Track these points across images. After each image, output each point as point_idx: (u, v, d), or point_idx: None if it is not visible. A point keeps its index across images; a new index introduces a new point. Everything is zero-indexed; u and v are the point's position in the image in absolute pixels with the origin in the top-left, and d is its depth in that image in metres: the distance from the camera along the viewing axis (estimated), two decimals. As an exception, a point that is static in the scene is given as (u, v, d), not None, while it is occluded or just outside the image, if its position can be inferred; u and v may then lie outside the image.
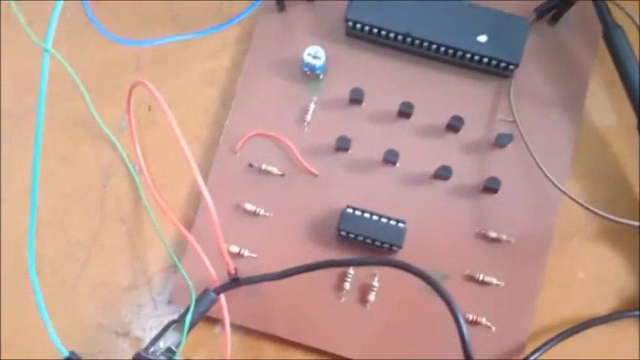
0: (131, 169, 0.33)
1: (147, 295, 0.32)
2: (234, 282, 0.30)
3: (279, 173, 0.33)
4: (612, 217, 0.30)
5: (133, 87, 0.29)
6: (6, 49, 0.35)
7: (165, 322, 0.31)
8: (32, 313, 0.31)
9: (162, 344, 0.29)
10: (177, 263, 0.31)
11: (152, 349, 0.28)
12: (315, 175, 0.33)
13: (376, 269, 0.32)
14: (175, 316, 0.31)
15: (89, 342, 0.32)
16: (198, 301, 0.29)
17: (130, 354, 0.31)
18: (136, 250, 0.33)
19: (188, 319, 0.28)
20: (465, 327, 0.25)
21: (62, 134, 0.34)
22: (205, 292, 0.30)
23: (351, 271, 0.32)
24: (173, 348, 0.28)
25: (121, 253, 0.33)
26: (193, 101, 0.34)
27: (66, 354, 0.26)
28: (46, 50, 0.24)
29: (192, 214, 0.33)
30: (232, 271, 0.29)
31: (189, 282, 0.29)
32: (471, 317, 0.31)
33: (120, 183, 0.33)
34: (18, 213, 0.33)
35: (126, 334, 0.32)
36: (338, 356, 0.31)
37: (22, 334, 0.32)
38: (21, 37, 0.34)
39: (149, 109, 0.34)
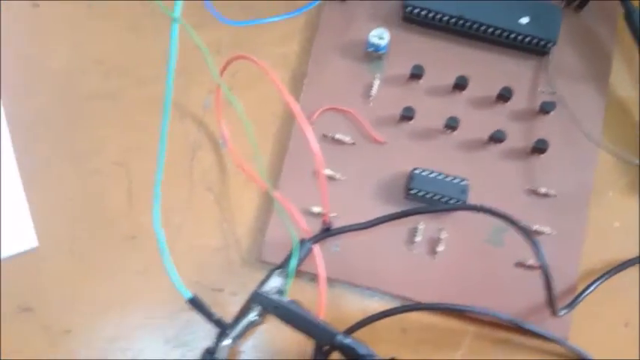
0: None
1: (236, 255, 0.35)
2: (327, 232, 0.33)
3: (351, 142, 0.37)
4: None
5: (231, 60, 0.33)
6: (92, 38, 0.38)
7: (256, 277, 0.35)
8: (129, 275, 0.35)
9: (267, 288, 0.32)
10: (277, 205, 0.34)
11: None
12: (382, 143, 0.37)
13: (443, 224, 0.36)
14: (265, 272, 0.35)
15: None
16: (295, 250, 0.32)
17: (227, 307, 0.34)
18: (224, 215, 0.36)
19: (294, 260, 0.31)
20: (542, 249, 0.29)
21: (152, 114, 0.37)
22: (302, 241, 0.33)
23: (421, 225, 0.35)
24: (282, 288, 0.32)
25: (211, 218, 0.36)
26: (268, 82, 0.38)
27: (189, 295, 0.29)
28: (176, 21, 0.27)
29: (273, 182, 0.36)
30: (328, 220, 0.33)
31: (292, 228, 0.33)
32: (529, 262, 0.35)
33: (206, 156, 0.37)
34: (110, 183, 0.36)
35: (221, 290, 0.35)
36: (412, 300, 0.35)
37: (123, 295, 0.35)
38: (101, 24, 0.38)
39: (230, 90, 0.37)
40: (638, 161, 0.35)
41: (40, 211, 0.35)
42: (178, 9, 0.27)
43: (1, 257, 0.35)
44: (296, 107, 0.29)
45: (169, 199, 0.36)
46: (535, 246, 0.30)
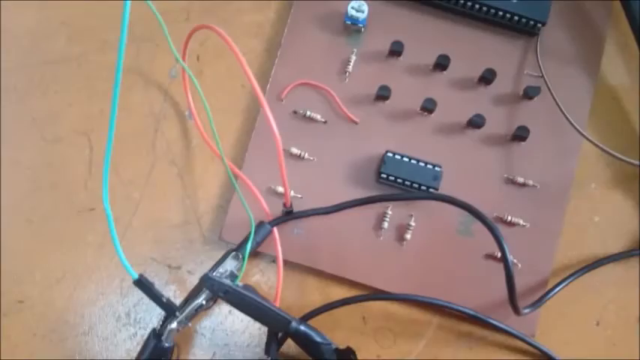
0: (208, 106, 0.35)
1: (197, 232, 0.34)
2: (288, 215, 0.32)
3: (322, 120, 0.35)
4: (629, 159, 0.33)
5: (194, 31, 0.31)
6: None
7: (215, 256, 0.33)
8: (85, 247, 0.34)
9: (221, 270, 0.31)
10: (237, 188, 0.33)
11: (214, 273, 0.30)
12: (356, 123, 0.35)
13: (413, 210, 0.34)
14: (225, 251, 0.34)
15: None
16: (254, 232, 0.31)
17: (184, 285, 0.33)
18: (187, 190, 0.35)
19: (249, 245, 0.30)
20: (506, 247, 0.28)
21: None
22: (261, 223, 0.32)
23: (390, 211, 0.34)
24: (235, 272, 0.30)
25: (173, 193, 0.35)
26: (240, 52, 0.36)
27: (136, 276, 0.28)
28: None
29: (239, 159, 0.35)
30: (289, 204, 0.31)
31: (249, 211, 0.31)
32: (499, 254, 0.34)
33: (170, 128, 0.35)
34: (71, 152, 0.35)
35: (178, 267, 0.34)
36: (375, 289, 0.34)
37: (77, 267, 0.34)
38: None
39: (197, 59, 0.36)
40: (623, 155, 0.33)
41: (-3, 178, 0.34)
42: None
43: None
44: (254, 83, 0.27)
45: (130, 171, 0.35)
46: (498, 240, 0.28)
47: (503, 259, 0.28)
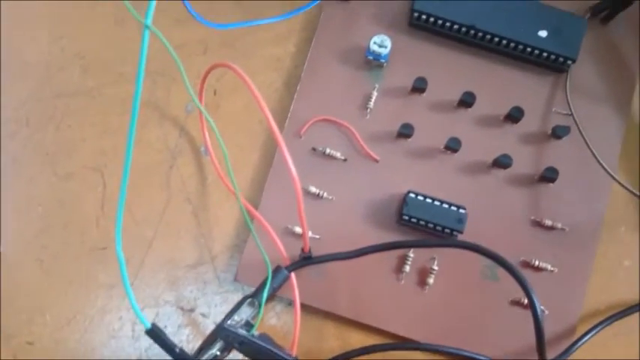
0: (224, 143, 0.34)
1: (212, 273, 0.33)
2: (307, 260, 0.31)
3: (342, 158, 0.34)
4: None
5: (211, 69, 0.30)
6: (73, 30, 0.36)
7: (230, 298, 0.33)
8: (96, 289, 0.33)
9: (236, 318, 0.30)
10: (253, 232, 0.31)
11: (229, 322, 0.29)
12: (377, 161, 0.34)
13: (436, 253, 0.33)
14: (241, 294, 0.33)
15: (155, 318, 0.32)
16: (271, 277, 0.30)
17: (195, 330, 0.32)
18: (202, 229, 0.34)
19: (265, 293, 0.29)
20: (538, 305, 0.26)
21: (129, 115, 0.34)
22: (278, 268, 0.31)
23: (412, 254, 0.33)
24: (251, 321, 0.29)
25: (187, 232, 0.34)
26: (258, 86, 0.34)
27: (148, 325, 0.27)
28: (147, 27, 0.24)
29: (256, 197, 0.33)
30: (307, 249, 0.30)
31: (266, 256, 0.30)
32: (526, 301, 0.32)
33: (186, 164, 0.34)
34: (83, 189, 0.34)
35: (192, 310, 0.33)
36: (396, 335, 0.32)
37: (88, 308, 0.33)
38: (85, 16, 0.35)
39: (214, 93, 0.35)
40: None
41: (8, 214, 0.33)
42: (150, 14, 0.24)
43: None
44: (273, 125, 0.26)
45: (143, 208, 0.34)
46: (528, 293, 0.27)
47: (533, 314, 0.27)
